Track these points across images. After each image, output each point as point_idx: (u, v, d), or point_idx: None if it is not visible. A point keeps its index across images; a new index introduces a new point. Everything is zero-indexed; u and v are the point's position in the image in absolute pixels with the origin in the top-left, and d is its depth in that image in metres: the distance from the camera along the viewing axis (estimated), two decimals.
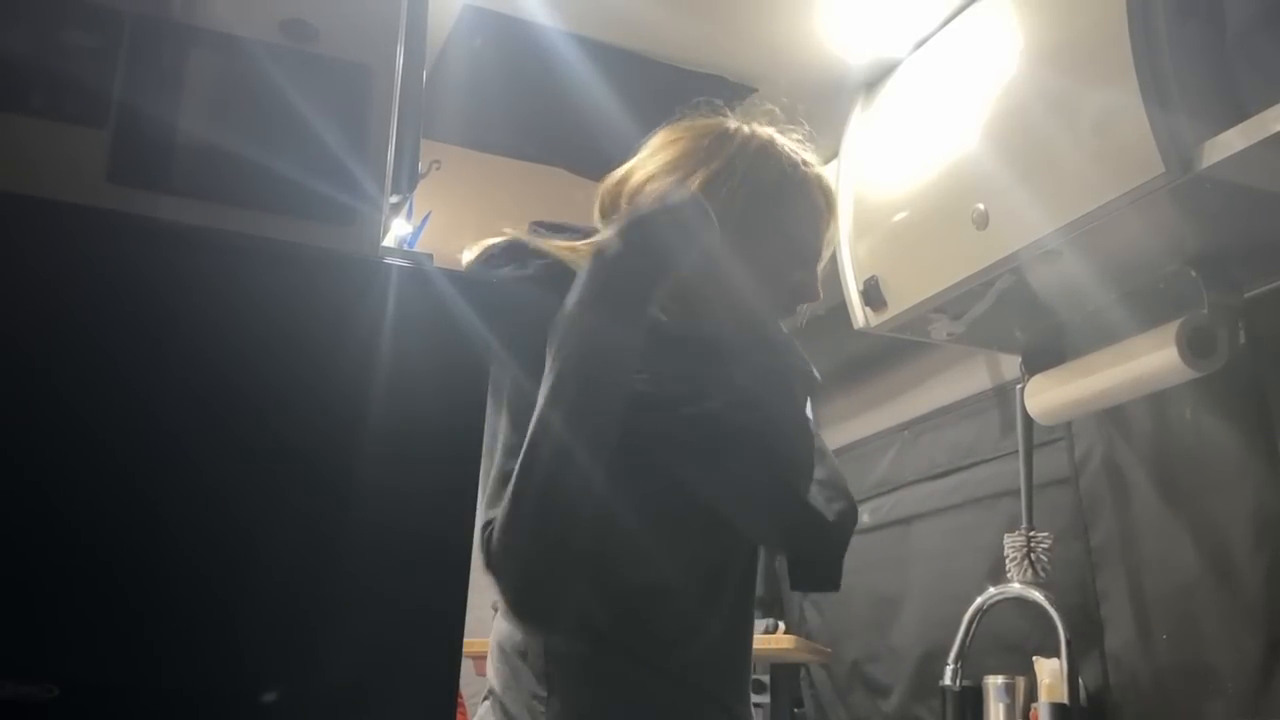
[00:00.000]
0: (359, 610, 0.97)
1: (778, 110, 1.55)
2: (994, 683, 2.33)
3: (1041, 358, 2.31)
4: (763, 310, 1.44)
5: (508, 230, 1.42)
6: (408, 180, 1.21)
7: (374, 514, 1.00)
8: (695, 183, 1.40)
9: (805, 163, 1.48)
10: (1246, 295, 2.00)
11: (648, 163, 1.47)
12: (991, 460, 2.60)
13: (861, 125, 2.37)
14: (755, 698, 3.01)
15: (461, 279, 1.10)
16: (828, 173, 1.53)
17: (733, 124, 1.49)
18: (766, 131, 1.49)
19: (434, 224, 2.78)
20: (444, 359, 1.05)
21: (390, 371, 1.03)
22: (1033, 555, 2.24)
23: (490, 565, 1.21)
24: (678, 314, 1.37)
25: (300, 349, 1.01)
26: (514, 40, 2.23)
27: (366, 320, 1.04)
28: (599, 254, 1.27)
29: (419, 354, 1.05)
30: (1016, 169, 1.92)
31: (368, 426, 1.01)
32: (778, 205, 1.44)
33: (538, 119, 2.52)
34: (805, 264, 1.47)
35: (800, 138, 1.52)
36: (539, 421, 1.21)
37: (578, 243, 1.39)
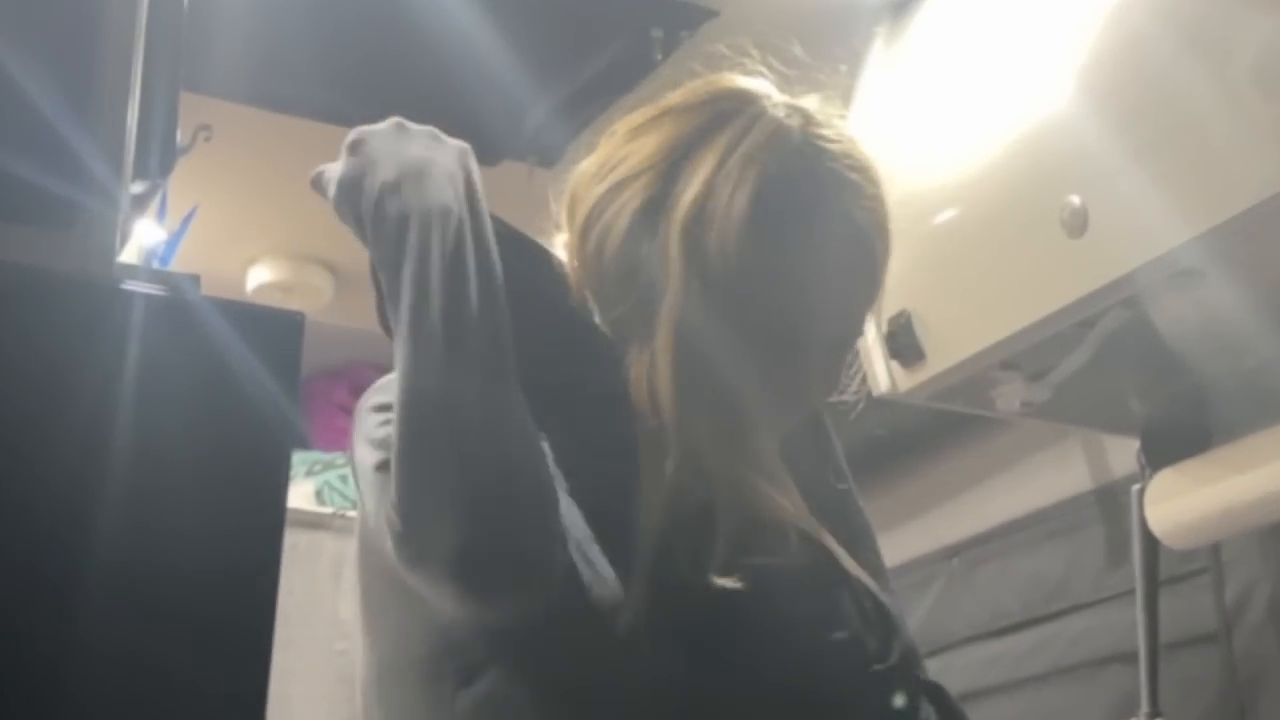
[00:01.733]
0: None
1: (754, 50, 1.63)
2: None
3: (1172, 443, 2.32)
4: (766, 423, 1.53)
5: None
6: (160, 159, 1.24)
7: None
8: (685, 196, 1.49)
9: (854, 165, 1.55)
10: None
11: (624, 150, 1.56)
12: (1092, 605, 2.62)
13: (883, 73, 2.40)
14: None
15: (247, 314, 1.11)
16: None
17: (745, 86, 1.57)
18: (789, 108, 1.56)
19: (203, 226, 2.77)
20: (219, 432, 1.07)
21: (137, 458, 1.03)
22: None
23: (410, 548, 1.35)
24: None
25: None
26: None
27: (95, 378, 1.04)
28: None
29: (180, 427, 1.06)
30: (1131, 142, 1.93)
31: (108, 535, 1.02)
32: (802, 238, 1.52)
33: (375, 65, 2.55)
34: (840, 338, 1.58)
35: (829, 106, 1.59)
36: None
37: None
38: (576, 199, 1.57)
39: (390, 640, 1.49)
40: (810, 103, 1.58)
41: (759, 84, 1.58)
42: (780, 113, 1.54)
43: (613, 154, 1.57)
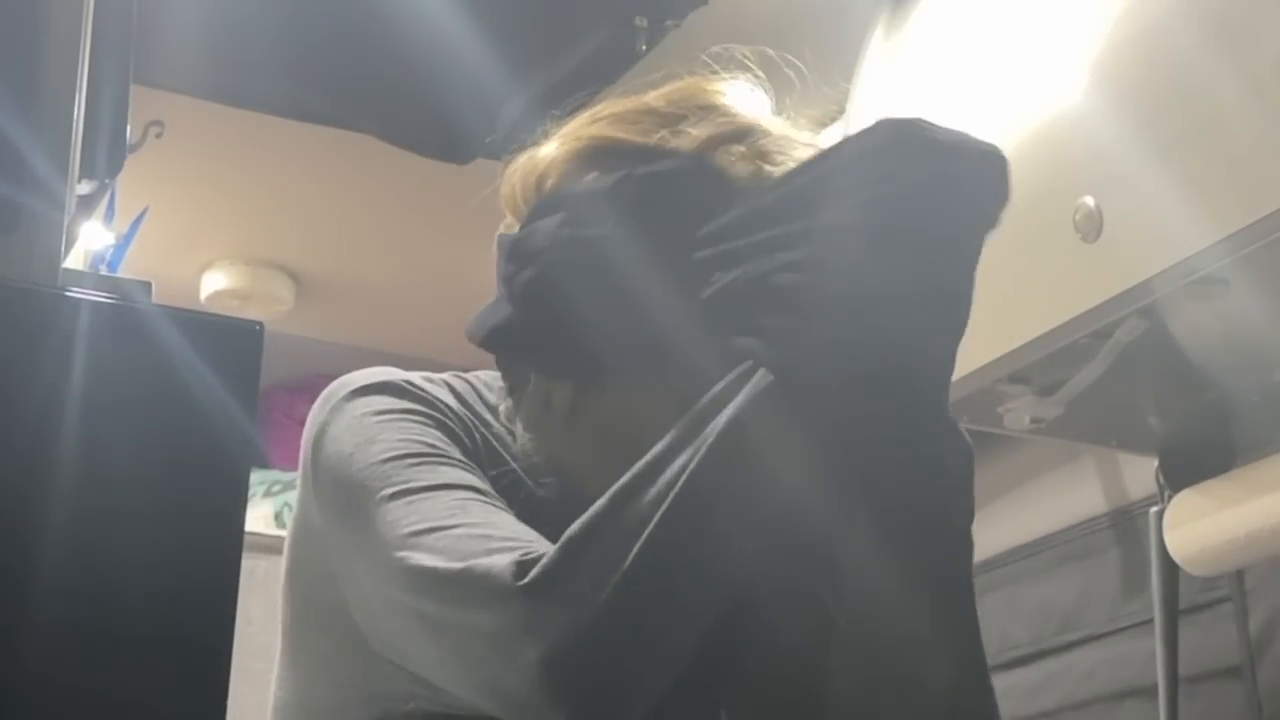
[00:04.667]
0: None
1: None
2: None
3: (1193, 462, 2.32)
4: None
5: None
6: (108, 157, 1.24)
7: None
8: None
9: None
10: None
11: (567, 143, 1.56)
12: (1106, 636, 2.61)
13: (882, 65, 2.39)
14: None
15: (201, 323, 1.10)
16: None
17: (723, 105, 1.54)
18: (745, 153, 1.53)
19: (155, 229, 2.76)
20: (171, 449, 1.06)
21: (83, 478, 1.02)
22: None
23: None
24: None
25: None
26: None
27: (38, 391, 1.03)
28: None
29: (130, 444, 1.04)
30: (1149, 139, 1.93)
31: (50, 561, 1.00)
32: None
33: (340, 56, 2.54)
34: None
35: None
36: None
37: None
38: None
39: (304, 679, 1.47)
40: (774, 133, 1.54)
41: (741, 105, 1.54)
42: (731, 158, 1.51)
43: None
